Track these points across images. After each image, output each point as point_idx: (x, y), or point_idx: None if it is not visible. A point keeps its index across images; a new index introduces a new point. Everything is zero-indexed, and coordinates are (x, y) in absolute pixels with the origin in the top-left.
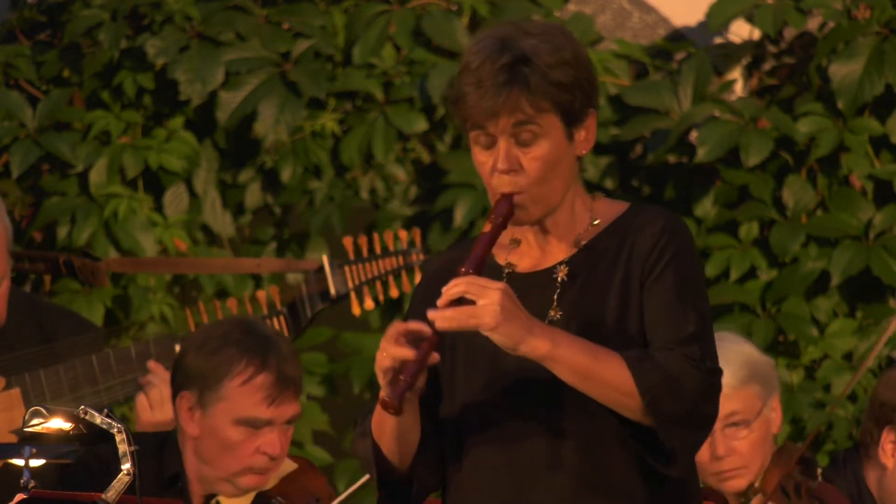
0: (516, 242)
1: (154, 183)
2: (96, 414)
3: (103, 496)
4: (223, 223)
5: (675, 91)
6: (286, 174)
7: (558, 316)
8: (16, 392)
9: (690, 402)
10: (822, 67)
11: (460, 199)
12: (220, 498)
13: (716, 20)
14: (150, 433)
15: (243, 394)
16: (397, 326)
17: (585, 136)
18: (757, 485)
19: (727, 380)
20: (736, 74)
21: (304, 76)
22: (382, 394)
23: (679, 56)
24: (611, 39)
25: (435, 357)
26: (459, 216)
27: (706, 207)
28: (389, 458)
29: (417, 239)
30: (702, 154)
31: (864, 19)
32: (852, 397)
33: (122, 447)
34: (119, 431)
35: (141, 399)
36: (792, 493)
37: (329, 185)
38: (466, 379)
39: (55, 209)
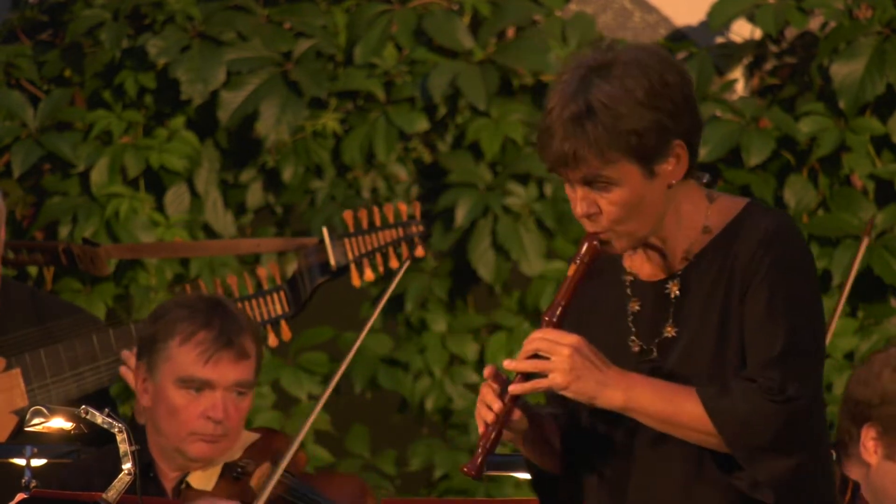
0: (635, 248)
1: (155, 182)
2: (97, 414)
3: (104, 496)
4: (224, 223)
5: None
6: (287, 174)
7: (674, 333)
8: (16, 372)
9: (769, 435)
10: (824, 67)
11: (461, 199)
12: (190, 478)
13: (717, 20)
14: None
15: (183, 352)
16: (483, 390)
17: (675, 165)
18: None
19: None
20: (737, 74)
21: (305, 76)
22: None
23: (680, 56)
24: (612, 39)
25: (516, 414)
26: (461, 216)
27: None
28: (539, 465)
29: (417, 212)
30: (703, 154)
31: (865, 19)
32: None
33: (123, 447)
34: (120, 431)
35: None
36: None
37: (330, 184)
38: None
39: (56, 209)
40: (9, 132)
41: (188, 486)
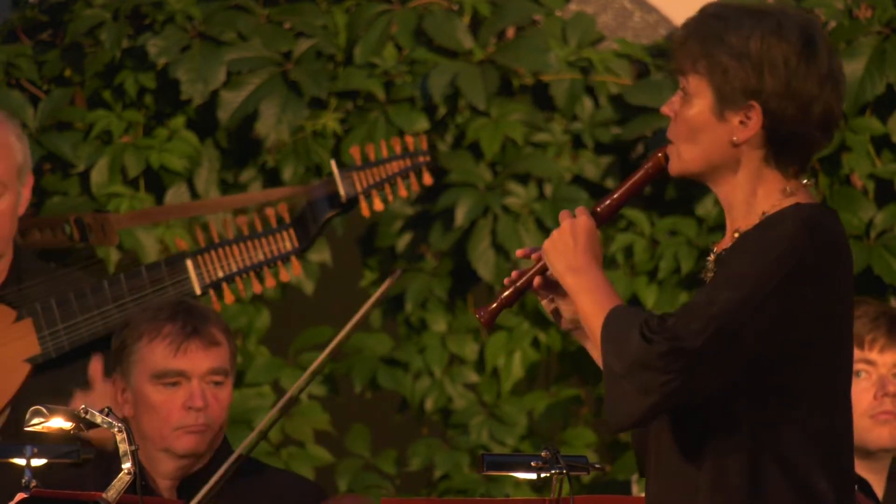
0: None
1: (155, 182)
2: (97, 413)
3: (103, 496)
4: (225, 223)
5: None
6: (287, 174)
7: None
8: (27, 322)
9: (622, 364)
10: None
11: (461, 199)
12: None
13: None
14: None
15: (151, 349)
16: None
17: (742, 124)
18: None
19: None
20: None
21: (305, 76)
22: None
23: None
24: (612, 39)
25: (536, 281)
26: (461, 215)
27: (707, 207)
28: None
29: (423, 143)
30: None
31: (865, 19)
32: None
33: (123, 446)
34: (119, 431)
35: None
36: None
37: None
38: None
39: (56, 209)
40: None
41: None
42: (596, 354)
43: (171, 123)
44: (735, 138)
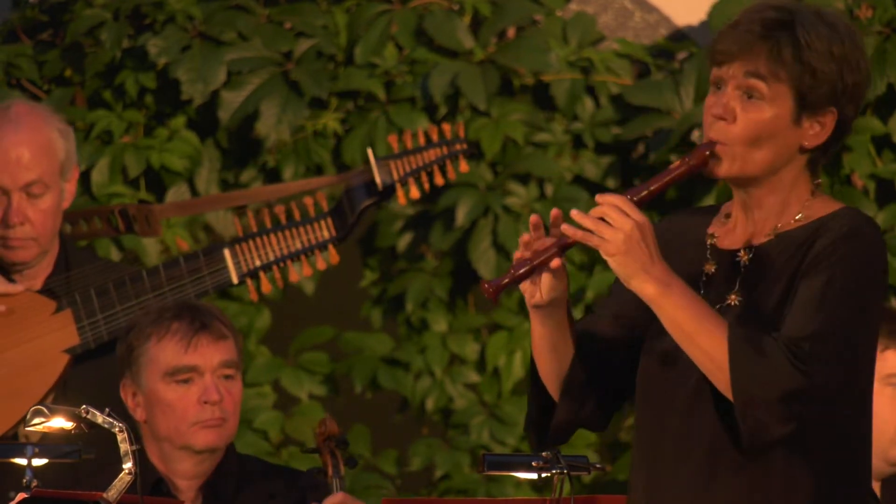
0: (728, 216)
1: (156, 182)
2: (98, 413)
3: (104, 495)
4: (225, 223)
5: (677, 90)
6: (288, 174)
7: (736, 301)
8: (66, 313)
9: (775, 393)
10: None
11: (462, 199)
12: None
13: (717, 19)
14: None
15: (162, 347)
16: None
17: (818, 130)
18: None
19: None
20: None
21: (305, 76)
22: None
23: (681, 55)
24: (612, 39)
25: (555, 262)
26: (461, 215)
27: None
28: (544, 377)
29: (461, 131)
30: None
31: (865, 19)
32: None
33: (124, 446)
34: (121, 430)
35: None
36: None
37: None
38: (649, 348)
39: None
40: None
41: None
42: (551, 355)
43: (171, 123)
44: (806, 143)
